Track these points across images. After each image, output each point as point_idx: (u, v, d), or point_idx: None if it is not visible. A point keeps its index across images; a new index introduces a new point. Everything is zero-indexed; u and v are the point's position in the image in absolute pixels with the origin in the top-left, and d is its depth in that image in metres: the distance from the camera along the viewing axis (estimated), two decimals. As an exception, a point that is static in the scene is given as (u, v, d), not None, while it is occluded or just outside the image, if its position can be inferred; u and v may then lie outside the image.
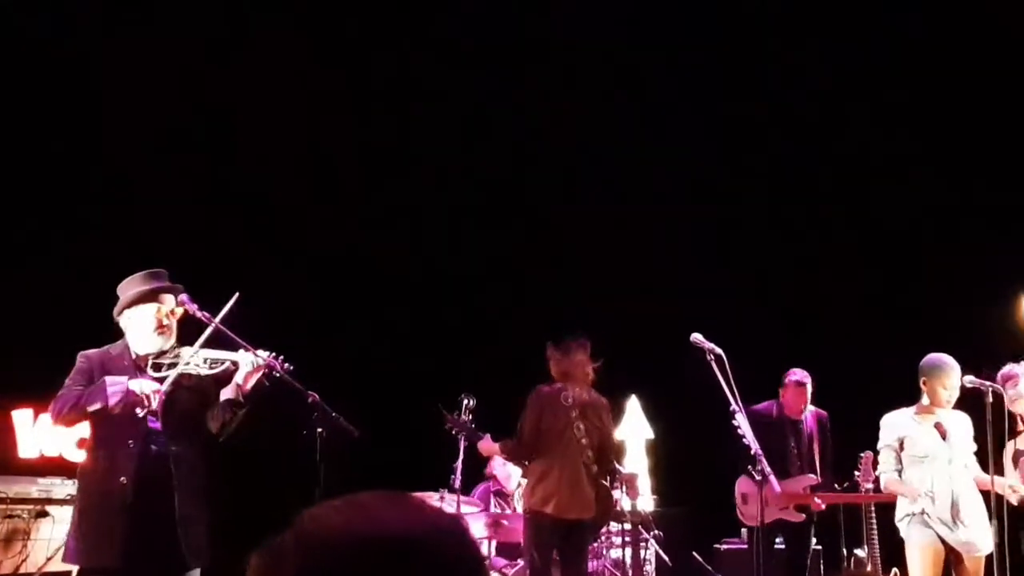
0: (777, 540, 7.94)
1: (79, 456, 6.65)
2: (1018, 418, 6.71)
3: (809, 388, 7.91)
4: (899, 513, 6.69)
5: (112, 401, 5.01)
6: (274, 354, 5.26)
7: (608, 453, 6.99)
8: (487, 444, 7.09)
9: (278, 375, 5.25)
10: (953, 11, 9.43)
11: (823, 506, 7.60)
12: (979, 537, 6.48)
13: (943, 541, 6.49)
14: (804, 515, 7.45)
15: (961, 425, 6.68)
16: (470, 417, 7.26)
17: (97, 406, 5.03)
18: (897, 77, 9.79)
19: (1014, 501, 6.49)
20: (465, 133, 10.03)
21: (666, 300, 9.64)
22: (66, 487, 7.14)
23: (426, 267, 9.91)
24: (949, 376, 6.56)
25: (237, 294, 5.14)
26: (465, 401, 7.32)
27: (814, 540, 8.47)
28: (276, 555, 1.38)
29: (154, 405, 5.02)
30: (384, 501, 1.44)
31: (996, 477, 6.38)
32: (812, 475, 7.65)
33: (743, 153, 10.05)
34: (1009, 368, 6.67)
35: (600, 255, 9.97)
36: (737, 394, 6.71)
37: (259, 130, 9.42)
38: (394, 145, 9.95)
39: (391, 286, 9.81)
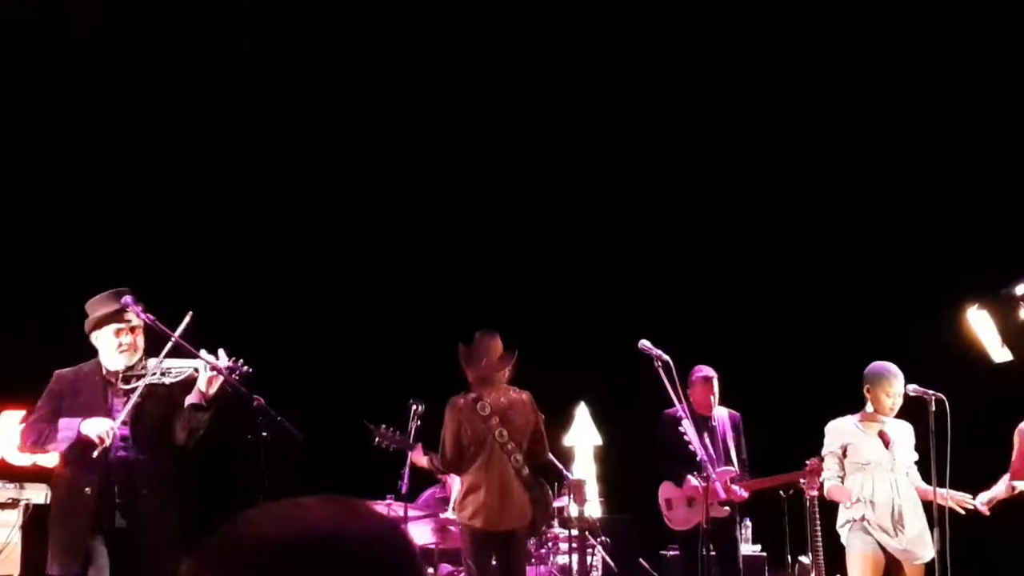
0: (708, 545, 7.89)
1: (25, 461, 7.07)
2: None
3: (716, 384, 7.81)
4: (840, 520, 6.74)
5: (62, 447, 5.29)
6: (234, 358, 5.45)
7: (539, 452, 6.85)
8: (418, 456, 6.97)
9: (237, 377, 5.40)
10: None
11: (745, 494, 7.53)
12: (920, 545, 6.54)
13: (883, 549, 6.53)
14: (728, 509, 7.39)
15: (904, 433, 6.74)
16: (418, 423, 7.17)
17: (51, 448, 5.35)
18: (840, 89, 9.89)
19: (963, 508, 6.54)
20: (404, 130, 9.98)
21: (615, 307, 9.66)
22: (7, 491, 7.15)
23: (377, 271, 9.87)
24: (892, 384, 6.63)
25: (191, 313, 5.40)
26: (414, 407, 7.19)
27: (758, 547, 8.53)
28: (209, 557, 1.37)
29: (108, 442, 5.20)
30: (321, 504, 1.43)
31: (939, 489, 6.44)
32: (730, 468, 7.58)
33: (690, 159, 10.09)
34: None
35: (549, 260, 9.98)
36: (684, 400, 6.76)
37: (201, 135, 9.39)
38: (336, 145, 9.89)
39: (340, 289, 9.76)
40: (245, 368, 5.43)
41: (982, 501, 6.59)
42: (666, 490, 7.70)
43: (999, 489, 6.62)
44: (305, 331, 9.48)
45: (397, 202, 9.95)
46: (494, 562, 6.74)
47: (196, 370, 5.39)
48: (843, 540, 6.72)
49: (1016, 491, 6.62)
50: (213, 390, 5.40)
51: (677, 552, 8.08)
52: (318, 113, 9.81)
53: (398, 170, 9.98)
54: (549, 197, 10.11)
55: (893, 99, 9.79)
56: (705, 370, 7.83)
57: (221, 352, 5.41)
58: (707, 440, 7.53)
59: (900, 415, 6.76)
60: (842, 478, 6.67)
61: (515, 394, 6.82)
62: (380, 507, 7.56)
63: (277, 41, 9.61)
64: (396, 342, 9.57)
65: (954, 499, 6.54)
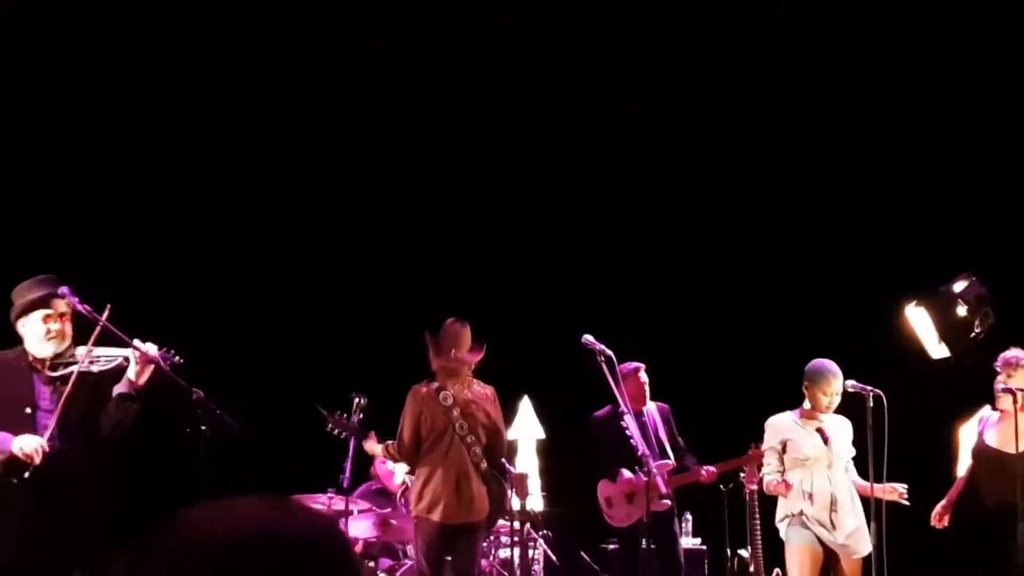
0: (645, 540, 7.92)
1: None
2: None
3: (646, 378, 7.85)
4: (779, 514, 6.81)
5: None
6: (166, 348, 5.40)
7: (498, 447, 6.82)
8: (371, 444, 6.93)
9: (167, 367, 5.36)
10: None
11: (706, 472, 7.56)
12: (857, 540, 6.62)
13: (822, 543, 6.61)
14: (668, 502, 7.40)
15: (842, 429, 6.82)
16: (360, 416, 7.12)
17: None
18: (781, 83, 9.97)
19: (901, 499, 6.62)
20: (340, 118, 9.92)
21: (558, 301, 9.68)
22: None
23: (316, 262, 9.80)
24: (831, 383, 6.70)
25: (109, 305, 5.35)
26: (356, 400, 7.14)
27: (698, 540, 8.59)
28: (145, 558, 1.36)
29: (38, 460, 5.12)
30: (258, 504, 1.43)
31: (876, 484, 6.52)
32: (667, 460, 7.60)
33: (628, 153, 10.12)
34: (1014, 353, 6.70)
35: (493, 253, 9.98)
36: (626, 396, 6.79)
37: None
38: (273, 131, 9.80)
39: (280, 281, 9.69)
40: (176, 358, 5.39)
41: (936, 516, 6.69)
42: (604, 488, 7.72)
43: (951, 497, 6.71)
44: (246, 324, 9.39)
45: (338, 193, 9.87)
46: (448, 557, 6.65)
47: (126, 359, 5.32)
48: (782, 534, 6.80)
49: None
50: (143, 380, 5.32)
51: (618, 546, 8.11)
52: (261, 92, 9.72)
53: (338, 162, 9.90)
54: (494, 191, 10.10)
55: (833, 96, 9.87)
56: (637, 365, 7.85)
57: (150, 344, 5.33)
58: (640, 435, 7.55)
59: (838, 410, 6.83)
60: (782, 473, 6.73)
61: (479, 387, 6.77)
62: (321, 500, 7.53)
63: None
64: (337, 335, 9.51)
65: (890, 493, 6.62)
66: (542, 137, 10.09)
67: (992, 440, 6.64)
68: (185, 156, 9.51)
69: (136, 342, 5.31)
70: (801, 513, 6.61)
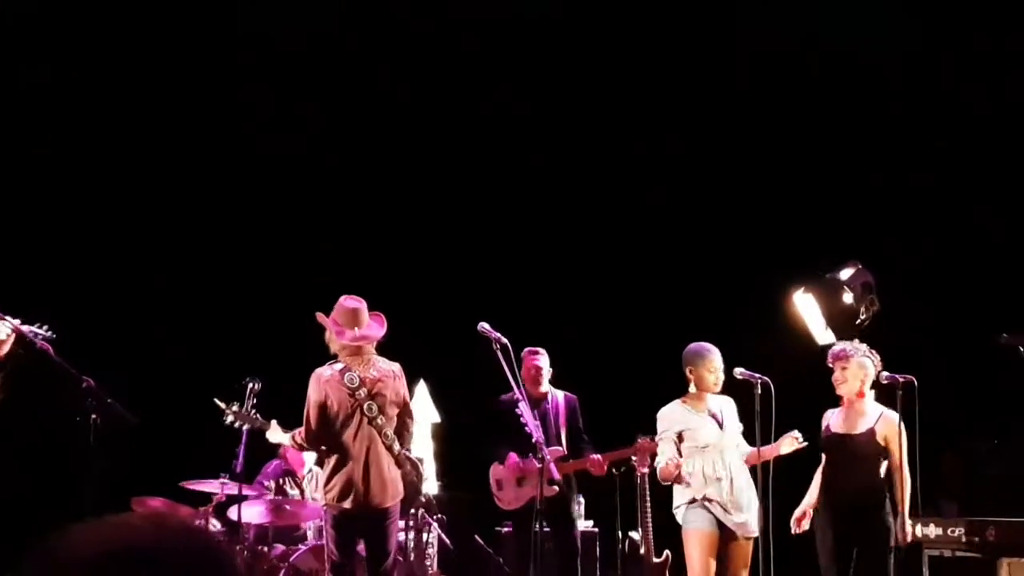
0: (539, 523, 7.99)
1: None
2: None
3: (544, 363, 7.89)
4: (677, 500, 6.87)
5: None
6: (38, 324, 5.27)
7: (408, 427, 6.54)
8: (275, 433, 6.69)
9: (34, 342, 5.23)
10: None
11: (593, 460, 7.63)
12: (752, 519, 6.78)
13: (720, 526, 6.74)
14: (556, 488, 7.43)
15: (729, 408, 6.97)
16: (254, 401, 7.00)
17: None
18: (638, 74, 10.08)
19: (796, 442, 6.78)
20: (237, 105, 9.81)
21: (453, 286, 9.71)
22: None
23: (208, 246, 9.68)
24: (712, 360, 6.85)
25: None
26: (250, 384, 7.00)
27: (590, 523, 8.71)
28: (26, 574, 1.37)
29: None
30: (140, 522, 1.44)
31: (763, 448, 6.67)
32: (558, 447, 7.64)
33: (528, 147, 10.17)
34: (841, 347, 6.91)
35: (389, 238, 9.96)
36: (522, 383, 6.83)
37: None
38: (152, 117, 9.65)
39: (172, 265, 9.56)
40: (47, 331, 5.27)
41: (795, 521, 6.86)
42: (495, 471, 7.77)
43: (810, 499, 6.89)
44: (136, 308, 9.25)
45: (228, 180, 9.75)
46: (361, 544, 6.44)
47: None
48: (679, 519, 6.85)
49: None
50: (5, 350, 5.18)
51: (511, 529, 8.19)
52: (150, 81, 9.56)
53: (222, 146, 9.76)
54: (390, 175, 10.07)
55: (723, 84, 10.00)
56: (534, 349, 7.90)
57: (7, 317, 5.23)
58: (538, 421, 7.58)
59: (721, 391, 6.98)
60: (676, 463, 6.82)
61: (384, 365, 6.44)
62: (214, 485, 7.46)
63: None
64: (228, 319, 9.41)
65: (787, 443, 6.78)
66: (441, 126, 10.07)
67: (838, 427, 6.87)
68: (76, 132, 9.31)
69: None
70: (704, 498, 6.71)
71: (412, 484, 6.55)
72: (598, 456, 7.59)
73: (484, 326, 6.67)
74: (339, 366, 6.37)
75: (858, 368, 6.80)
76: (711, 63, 9.94)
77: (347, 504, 6.21)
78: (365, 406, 6.29)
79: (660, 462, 6.87)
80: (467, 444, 8.92)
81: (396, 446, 6.38)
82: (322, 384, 6.31)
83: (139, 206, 9.51)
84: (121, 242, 9.38)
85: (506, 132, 10.11)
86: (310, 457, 8.06)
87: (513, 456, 7.55)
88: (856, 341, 6.99)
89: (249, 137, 9.77)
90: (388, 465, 6.31)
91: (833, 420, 6.91)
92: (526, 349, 7.86)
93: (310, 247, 9.81)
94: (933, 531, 6.97)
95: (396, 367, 6.51)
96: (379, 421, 6.31)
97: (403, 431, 6.50)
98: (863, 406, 6.84)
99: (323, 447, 6.40)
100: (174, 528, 1.43)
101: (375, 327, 6.47)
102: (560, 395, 7.92)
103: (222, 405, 6.77)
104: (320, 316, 6.48)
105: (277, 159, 9.81)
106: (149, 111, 9.56)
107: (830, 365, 6.89)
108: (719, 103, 9.98)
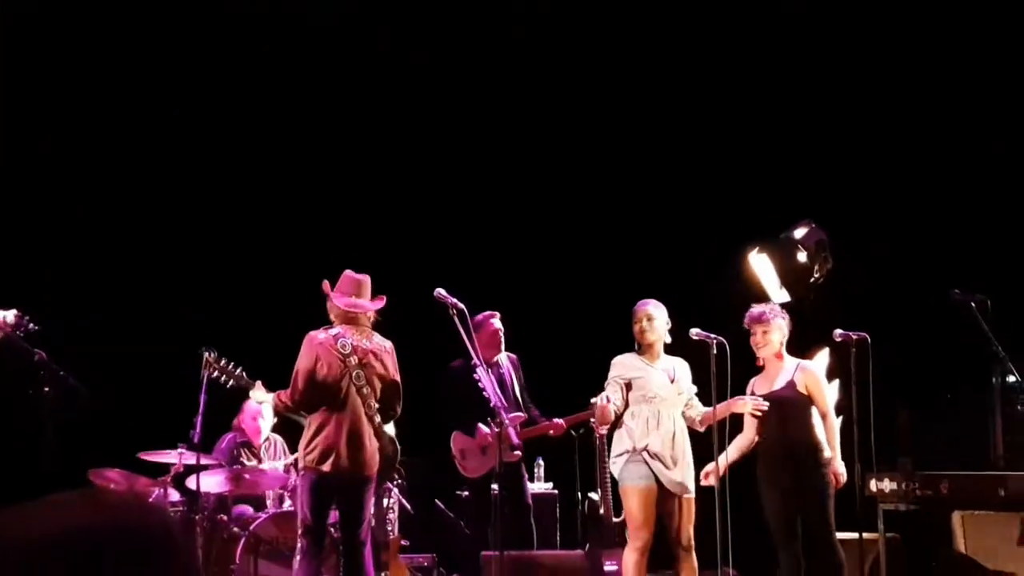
0: (493, 487, 8.05)
1: None
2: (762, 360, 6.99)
3: (499, 325, 7.93)
4: (616, 450, 6.89)
5: None
6: (18, 315, 5.29)
7: (393, 401, 6.56)
8: (259, 393, 6.67)
9: (21, 333, 5.14)
10: None
11: (555, 424, 7.74)
12: (689, 479, 6.83)
13: (658, 482, 6.76)
14: (519, 453, 7.52)
15: (683, 369, 7.01)
16: (210, 372, 6.98)
17: None
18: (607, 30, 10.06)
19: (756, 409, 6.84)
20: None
21: (409, 251, 9.68)
22: None
23: (162, 218, 9.58)
24: (636, 312, 6.90)
25: None
26: (206, 355, 6.98)
27: (549, 484, 8.77)
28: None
29: None
30: (82, 501, 1.42)
31: (718, 405, 6.72)
32: (519, 412, 7.74)
33: (475, 106, 10.11)
34: (759, 310, 6.97)
35: (345, 204, 9.90)
36: (478, 349, 6.84)
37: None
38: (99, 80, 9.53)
39: (125, 233, 9.46)
40: (31, 325, 5.23)
41: (704, 475, 6.90)
42: (459, 440, 7.79)
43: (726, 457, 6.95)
44: (89, 278, 9.15)
45: (182, 146, 9.64)
46: (335, 511, 6.48)
47: None
48: (616, 473, 6.88)
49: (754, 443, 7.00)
50: None
51: (468, 494, 8.24)
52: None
53: (179, 111, 9.64)
54: (349, 140, 10.00)
55: (664, 43, 9.97)
56: (490, 312, 7.92)
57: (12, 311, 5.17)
58: (496, 386, 7.63)
59: (676, 352, 7.02)
60: (619, 407, 6.83)
61: (379, 340, 6.55)
62: (172, 455, 7.42)
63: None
64: (185, 290, 9.34)
65: (737, 404, 6.84)
66: (387, 92, 10.00)
67: (761, 389, 6.96)
68: (24, 108, 9.17)
69: None
70: (645, 448, 6.73)
71: (388, 459, 6.60)
72: (560, 421, 7.65)
73: (440, 292, 6.67)
74: (335, 331, 6.43)
75: (776, 330, 6.92)
76: (666, 16, 9.89)
77: (326, 468, 6.24)
78: (354, 374, 6.35)
79: (600, 400, 6.80)
80: (427, 409, 8.94)
81: (378, 419, 6.43)
82: (314, 346, 6.36)
83: (90, 173, 9.39)
84: (73, 211, 9.27)
85: (451, 97, 10.04)
86: (266, 425, 8.06)
87: (481, 428, 7.56)
88: (771, 303, 7.11)
89: (211, 102, 9.66)
90: (369, 435, 6.36)
91: (757, 384, 7.02)
92: (485, 313, 7.88)
93: (266, 216, 9.72)
94: (888, 486, 7.06)
95: (389, 344, 6.60)
96: (365, 391, 6.37)
97: (388, 408, 6.54)
98: (781, 364, 6.94)
99: (306, 409, 6.42)
100: (118, 507, 1.42)
101: (374, 301, 6.57)
102: (505, 356, 7.99)
103: (206, 353, 6.69)
104: (326, 284, 6.55)
105: (235, 128, 9.70)
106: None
107: (747, 328, 6.96)
108: (671, 58, 9.94)
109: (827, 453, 6.79)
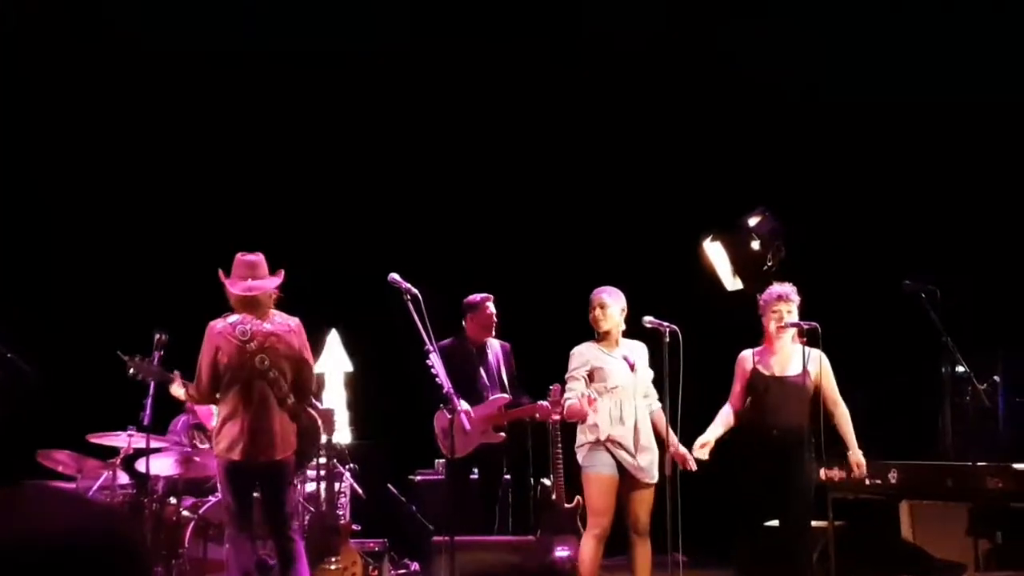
0: (473, 471, 8.13)
1: None
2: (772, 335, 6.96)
3: (493, 308, 8.01)
4: (580, 440, 6.90)
5: None
6: None
7: (306, 380, 6.51)
8: (176, 388, 6.66)
9: None
10: None
11: (541, 407, 7.71)
12: (653, 464, 6.84)
13: (620, 469, 6.78)
14: (503, 435, 7.58)
15: (641, 353, 7.02)
16: (161, 353, 6.93)
17: None
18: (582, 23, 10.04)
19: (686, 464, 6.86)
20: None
21: (365, 234, 9.64)
22: None
23: (113, 197, 9.48)
24: (591, 300, 6.89)
25: None
26: (157, 336, 6.95)
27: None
28: None
29: None
30: (32, 500, 1.40)
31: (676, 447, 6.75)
32: (503, 394, 7.77)
33: (437, 92, 10.08)
34: (785, 288, 6.90)
35: (299, 187, 9.84)
36: (432, 334, 6.82)
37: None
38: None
39: (72, 213, 9.35)
40: None
41: (699, 445, 6.93)
42: (442, 419, 7.77)
43: (716, 431, 6.98)
44: (37, 259, 9.05)
45: (126, 131, 9.54)
46: (256, 495, 6.44)
47: None
48: (580, 460, 6.88)
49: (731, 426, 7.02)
50: None
51: (431, 477, 8.28)
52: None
53: (131, 102, 9.55)
54: (303, 124, 9.94)
55: (620, 39, 9.95)
56: (485, 295, 8.01)
57: None
58: (481, 369, 7.73)
59: (634, 335, 7.02)
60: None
61: (281, 319, 6.42)
62: (121, 438, 7.36)
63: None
64: (136, 271, 9.25)
65: (679, 454, 6.85)
66: (344, 80, 9.94)
67: (768, 368, 6.95)
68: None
69: None
70: (608, 439, 6.75)
71: (309, 437, 6.55)
72: (545, 403, 7.61)
73: (394, 277, 6.64)
74: (233, 318, 6.34)
75: (796, 308, 6.90)
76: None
77: (235, 456, 6.23)
78: (257, 359, 6.27)
79: (570, 398, 6.85)
80: (381, 393, 8.93)
81: (290, 400, 6.36)
82: (213, 336, 6.31)
83: (38, 160, 9.28)
84: (21, 193, 9.15)
85: (414, 82, 10.00)
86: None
87: (464, 407, 7.55)
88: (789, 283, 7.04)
89: (146, 94, 9.56)
90: (279, 419, 6.31)
91: (761, 361, 6.98)
92: (481, 295, 7.95)
93: (218, 196, 9.65)
94: (837, 474, 7.12)
95: (294, 321, 6.47)
96: (272, 374, 6.29)
97: (301, 385, 6.47)
98: (790, 346, 6.93)
99: (213, 400, 6.43)
100: (76, 507, 1.40)
101: (269, 279, 6.41)
102: (496, 343, 8.05)
103: (124, 357, 6.69)
104: (221, 273, 6.42)
105: (181, 116, 9.61)
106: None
107: (771, 305, 6.91)
108: (629, 50, 9.95)
109: (818, 448, 6.73)
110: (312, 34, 9.78)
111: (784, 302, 6.88)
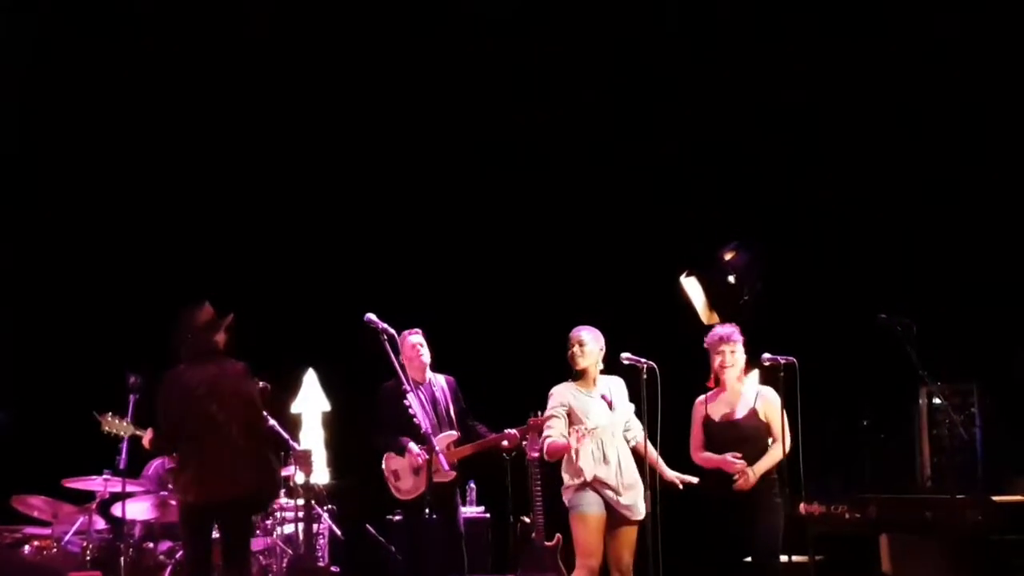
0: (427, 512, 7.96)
1: None
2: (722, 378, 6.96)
3: (423, 342, 7.80)
4: (566, 481, 6.87)
5: None
6: None
7: (257, 421, 6.63)
8: (148, 440, 6.67)
9: None
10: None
11: (509, 435, 7.66)
12: (639, 502, 6.82)
13: (608, 508, 6.76)
14: (454, 473, 7.47)
15: (619, 389, 7.01)
16: (136, 396, 6.99)
17: None
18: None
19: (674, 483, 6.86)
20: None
21: (342, 274, 9.63)
22: None
23: (85, 240, 9.44)
24: (570, 337, 6.90)
25: None
26: (131, 379, 7.01)
27: (481, 508, 8.74)
28: None
29: None
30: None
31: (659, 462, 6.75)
32: (452, 431, 7.67)
33: (408, 126, 10.08)
34: (727, 330, 6.91)
35: (275, 227, 9.83)
36: (408, 374, 6.80)
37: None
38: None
39: (46, 257, 9.31)
40: None
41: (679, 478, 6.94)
42: (392, 462, 7.70)
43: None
44: (12, 303, 9.00)
45: (97, 170, 9.51)
46: (216, 535, 6.54)
47: None
48: (567, 501, 6.86)
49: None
50: None
51: (401, 517, 8.15)
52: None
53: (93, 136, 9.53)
54: (278, 164, 9.92)
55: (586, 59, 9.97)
56: (412, 331, 7.76)
57: None
58: (428, 408, 7.56)
59: (611, 371, 7.02)
60: (566, 437, 6.84)
61: (228, 364, 6.56)
62: (97, 483, 7.30)
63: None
64: (110, 315, 9.21)
65: (673, 479, 6.86)
66: (316, 113, 9.94)
67: (719, 413, 6.95)
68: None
69: None
70: (595, 479, 6.74)
71: (268, 478, 6.63)
72: (514, 431, 7.53)
73: (371, 317, 6.65)
74: (181, 367, 6.51)
75: (742, 350, 6.91)
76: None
77: (191, 498, 6.37)
78: (207, 405, 6.40)
79: (550, 435, 6.85)
80: (358, 432, 8.87)
81: (243, 442, 6.45)
82: (165, 387, 6.48)
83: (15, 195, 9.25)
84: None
85: (384, 116, 9.99)
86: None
87: (412, 447, 7.46)
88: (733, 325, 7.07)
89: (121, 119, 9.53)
90: (235, 460, 6.40)
91: (712, 407, 6.99)
92: (411, 336, 7.76)
93: (193, 238, 9.62)
94: (816, 508, 7.09)
95: (241, 366, 6.60)
96: (221, 418, 6.41)
97: (253, 426, 6.57)
98: (741, 387, 6.95)
99: (173, 449, 6.59)
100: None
101: (210, 329, 6.58)
102: (441, 378, 7.88)
103: (98, 416, 6.77)
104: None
105: (153, 147, 9.59)
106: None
107: (715, 347, 6.93)
108: (602, 80, 9.95)
109: (781, 484, 6.75)
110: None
111: (726, 343, 6.90)
